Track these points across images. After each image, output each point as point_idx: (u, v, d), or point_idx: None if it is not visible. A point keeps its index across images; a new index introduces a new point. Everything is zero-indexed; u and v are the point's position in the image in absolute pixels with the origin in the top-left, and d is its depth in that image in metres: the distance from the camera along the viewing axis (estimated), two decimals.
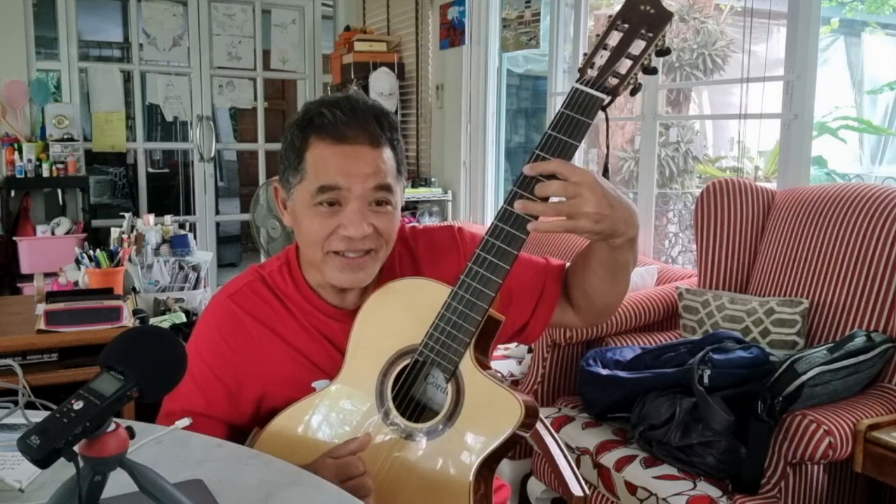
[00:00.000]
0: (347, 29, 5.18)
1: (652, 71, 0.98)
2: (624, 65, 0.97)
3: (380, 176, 1.06)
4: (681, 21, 5.72)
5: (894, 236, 2.03)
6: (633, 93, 1.00)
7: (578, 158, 3.88)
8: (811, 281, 2.20)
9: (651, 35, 0.96)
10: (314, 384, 1.12)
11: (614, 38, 0.98)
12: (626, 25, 0.97)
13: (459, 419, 1.00)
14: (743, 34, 2.77)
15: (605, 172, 1.07)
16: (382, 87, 4.59)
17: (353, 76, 4.64)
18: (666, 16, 0.96)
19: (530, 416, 0.99)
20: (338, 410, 1.06)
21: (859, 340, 1.90)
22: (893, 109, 6.44)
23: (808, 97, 2.53)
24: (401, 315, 1.06)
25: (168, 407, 1.13)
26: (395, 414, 1.03)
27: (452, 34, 4.29)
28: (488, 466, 1.02)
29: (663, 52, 0.98)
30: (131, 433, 0.73)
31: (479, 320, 1.00)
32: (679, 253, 5.38)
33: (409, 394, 1.05)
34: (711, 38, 5.65)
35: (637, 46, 0.96)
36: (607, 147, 1.15)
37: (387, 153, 1.08)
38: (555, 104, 3.76)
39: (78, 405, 0.70)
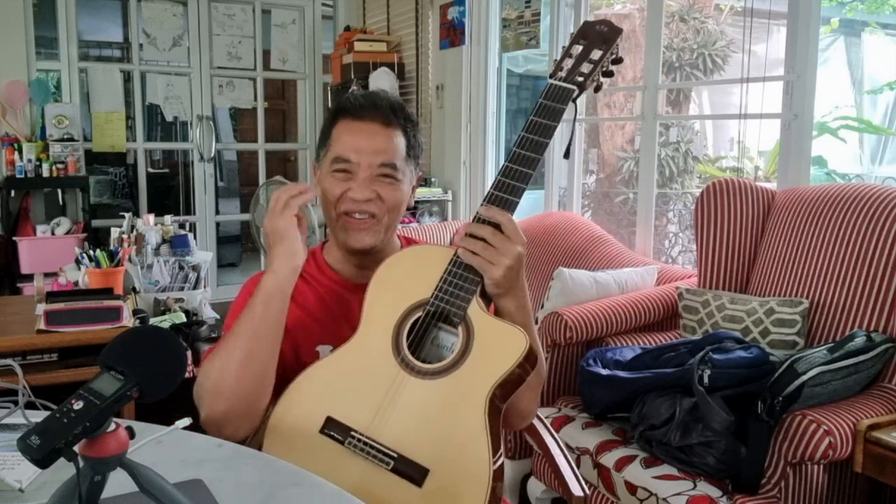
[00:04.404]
0: (347, 29, 5.18)
1: (609, 74, 1.21)
2: (587, 67, 1.17)
3: (387, 154, 1.24)
4: (681, 21, 5.73)
5: (894, 236, 2.03)
6: (597, 90, 1.21)
7: (581, 159, 3.89)
8: (811, 281, 2.20)
9: (606, 46, 1.17)
10: (318, 348, 1.24)
11: (577, 50, 1.20)
12: (585, 41, 1.19)
13: (472, 354, 1.09)
14: (743, 34, 2.77)
15: (567, 153, 1.39)
16: (382, 87, 4.59)
17: (353, 76, 4.64)
18: (616, 31, 1.18)
19: (531, 352, 1.09)
20: (358, 359, 1.14)
21: (859, 340, 1.90)
22: (893, 109, 6.45)
23: (808, 97, 2.53)
24: (411, 276, 1.17)
25: (208, 351, 1.23)
26: (410, 359, 1.11)
27: (452, 34, 4.28)
28: (497, 398, 1.08)
29: (617, 60, 1.20)
30: (131, 433, 0.73)
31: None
32: (679, 253, 5.38)
33: (422, 343, 1.13)
34: (711, 38, 5.65)
35: (596, 54, 1.18)
36: (573, 130, 1.43)
37: (397, 135, 1.26)
38: None
39: (78, 405, 0.70)
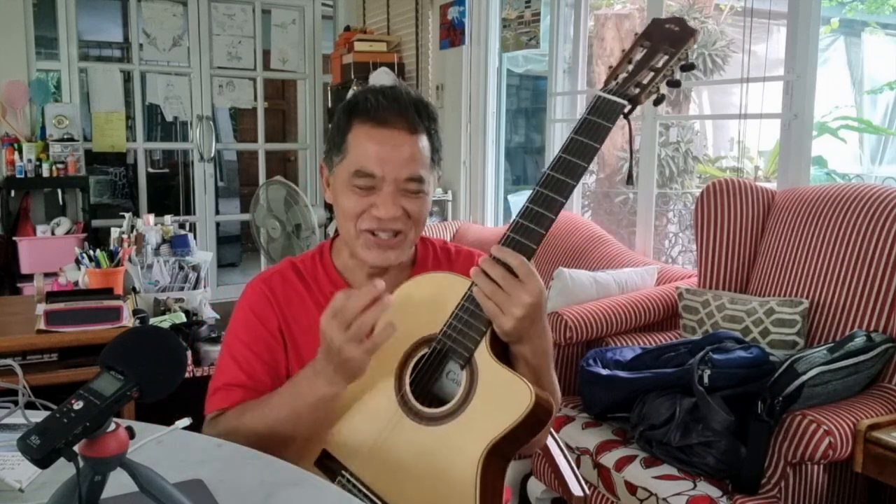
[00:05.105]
0: (347, 29, 5.18)
1: (675, 83, 1.03)
2: (646, 76, 1.01)
3: (412, 166, 1.12)
4: None
5: (894, 236, 2.03)
6: (657, 102, 1.05)
7: None
8: (811, 281, 2.20)
9: (673, 50, 1.01)
10: None
11: (638, 54, 1.03)
12: (649, 43, 1.03)
13: (472, 404, 1.01)
14: (743, 34, 2.77)
15: (630, 179, 1.22)
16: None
17: (353, 76, 4.63)
18: (689, 32, 1.02)
19: (541, 409, 0.99)
20: (359, 391, 1.08)
21: (859, 340, 1.90)
22: (893, 109, 6.44)
23: (808, 97, 2.53)
24: (423, 307, 1.08)
25: (214, 385, 1.19)
26: (411, 399, 1.05)
27: (452, 34, 4.28)
28: (499, 454, 1.02)
29: (688, 66, 1.03)
30: (131, 433, 0.73)
31: None
32: (679, 253, 5.38)
33: (426, 383, 1.07)
34: (711, 38, 5.65)
35: (660, 60, 1.02)
36: (631, 153, 1.26)
37: (423, 141, 1.15)
38: (555, 104, 3.75)
39: (78, 405, 0.70)
